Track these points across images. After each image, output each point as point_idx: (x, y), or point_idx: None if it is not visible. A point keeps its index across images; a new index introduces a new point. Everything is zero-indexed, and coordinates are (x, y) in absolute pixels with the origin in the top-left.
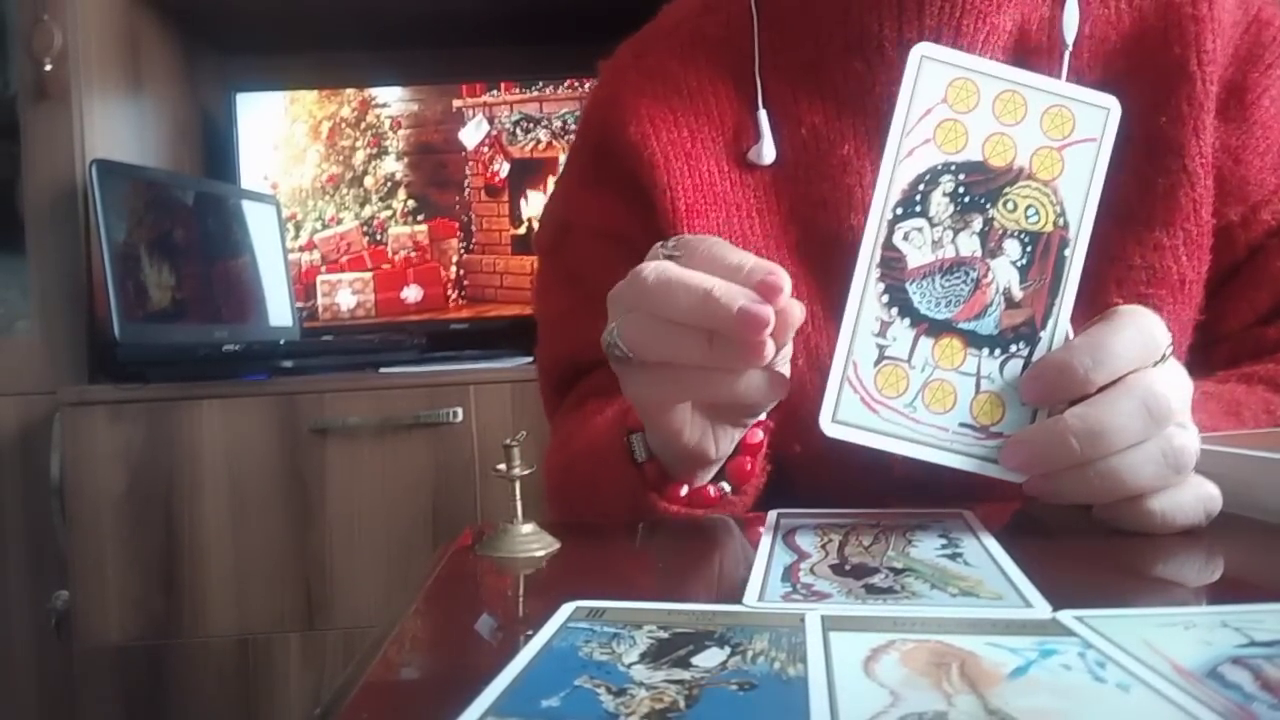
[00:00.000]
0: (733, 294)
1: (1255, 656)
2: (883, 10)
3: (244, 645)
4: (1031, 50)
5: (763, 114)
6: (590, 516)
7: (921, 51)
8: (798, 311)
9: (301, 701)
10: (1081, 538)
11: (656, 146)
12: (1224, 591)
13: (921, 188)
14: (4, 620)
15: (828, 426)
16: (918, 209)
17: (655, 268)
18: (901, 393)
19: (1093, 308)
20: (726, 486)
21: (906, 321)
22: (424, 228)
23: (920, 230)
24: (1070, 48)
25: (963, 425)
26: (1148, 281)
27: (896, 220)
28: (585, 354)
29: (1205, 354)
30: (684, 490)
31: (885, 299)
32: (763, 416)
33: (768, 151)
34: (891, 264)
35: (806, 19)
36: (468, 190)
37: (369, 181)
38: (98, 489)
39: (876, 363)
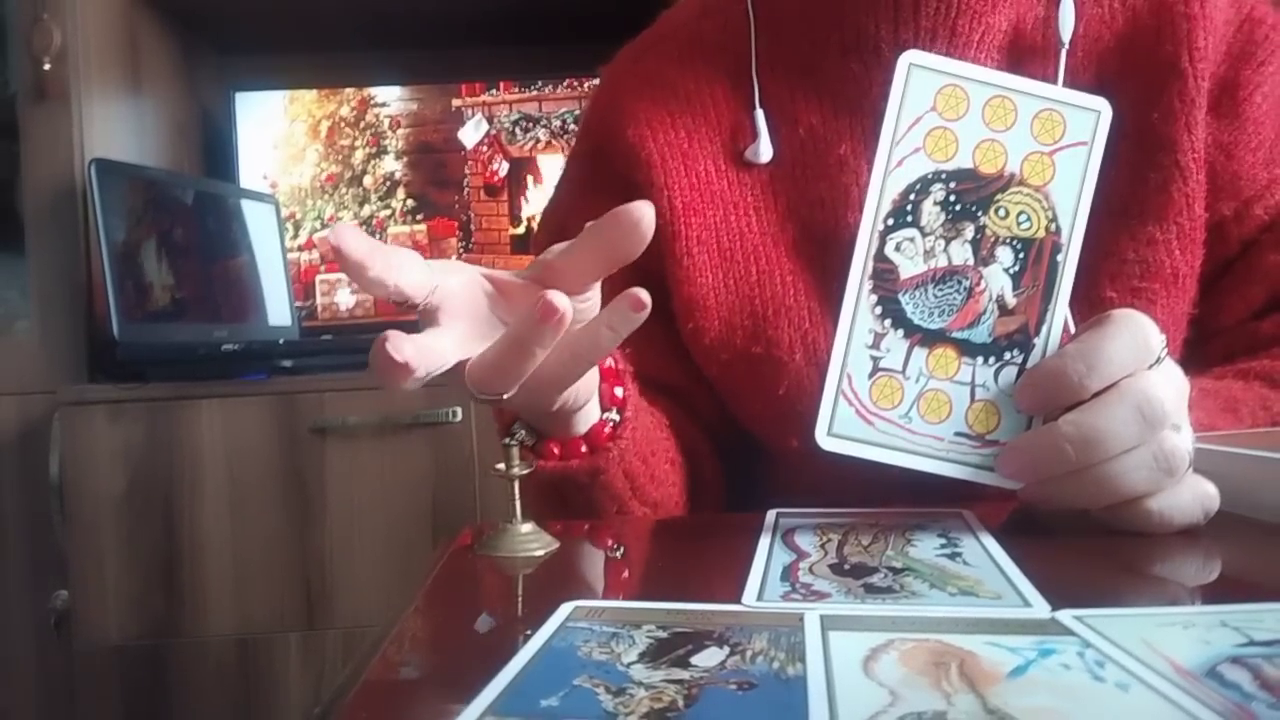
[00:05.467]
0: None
1: (1254, 656)
2: (878, 12)
3: (244, 645)
4: (1026, 50)
5: (759, 113)
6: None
7: (909, 59)
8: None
9: (301, 701)
10: (1081, 538)
11: (653, 146)
12: (1223, 591)
13: (912, 197)
14: (4, 620)
15: (823, 440)
16: (909, 219)
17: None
18: (896, 404)
19: (1087, 302)
20: (614, 415)
21: (900, 332)
22: (423, 227)
23: (912, 240)
24: (1066, 47)
25: (958, 434)
26: (1141, 275)
27: (888, 231)
28: None
29: (1199, 349)
30: (584, 447)
31: (878, 310)
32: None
33: (765, 150)
34: (884, 275)
35: (803, 21)
36: (467, 190)
37: (368, 181)
38: (97, 488)
39: (871, 375)
